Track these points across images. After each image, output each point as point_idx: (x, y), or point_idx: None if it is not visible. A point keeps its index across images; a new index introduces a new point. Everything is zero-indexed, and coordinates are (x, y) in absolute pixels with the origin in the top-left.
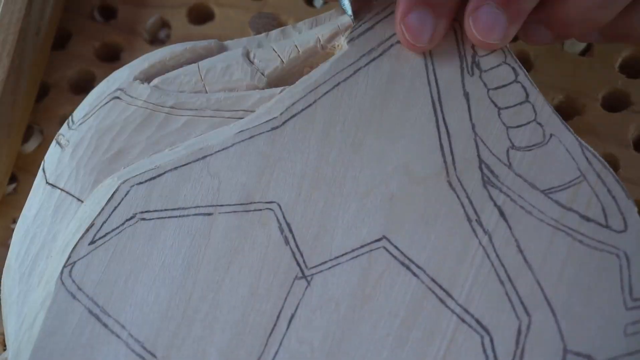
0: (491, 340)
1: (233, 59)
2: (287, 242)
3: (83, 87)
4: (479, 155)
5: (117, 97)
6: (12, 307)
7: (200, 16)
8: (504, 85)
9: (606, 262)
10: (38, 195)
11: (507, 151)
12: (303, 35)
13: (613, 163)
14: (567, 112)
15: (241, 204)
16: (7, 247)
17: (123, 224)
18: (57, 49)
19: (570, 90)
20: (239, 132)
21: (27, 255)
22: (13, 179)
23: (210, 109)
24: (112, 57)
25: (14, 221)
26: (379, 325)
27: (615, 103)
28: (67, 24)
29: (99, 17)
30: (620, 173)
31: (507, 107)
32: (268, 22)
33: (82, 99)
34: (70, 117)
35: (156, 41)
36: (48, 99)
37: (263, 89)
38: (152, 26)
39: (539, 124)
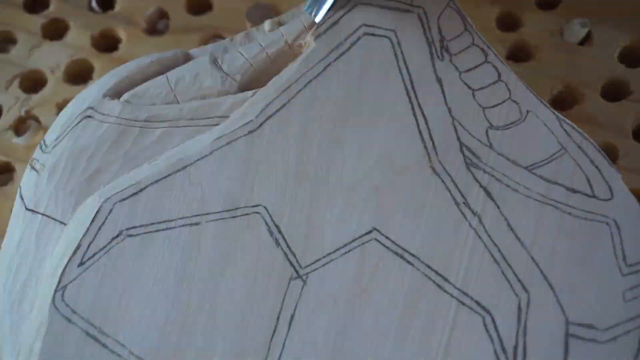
0: (493, 320)
1: (201, 67)
2: (278, 244)
3: (81, 78)
4: (458, 139)
5: (89, 116)
6: (6, 338)
7: (199, 7)
8: (475, 67)
9: (597, 232)
10: (19, 222)
11: (486, 131)
12: (268, 36)
13: (612, 152)
14: (566, 101)
15: (227, 211)
16: None
17: (110, 242)
18: (55, 40)
19: (570, 80)
20: (217, 138)
21: (14, 284)
22: (9, 170)
23: (184, 118)
24: (111, 48)
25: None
26: (379, 317)
27: (614, 93)
28: (64, 14)
29: (97, 7)
30: (620, 162)
31: (480, 88)
32: (265, 12)
33: (80, 89)
34: (42, 141)
35: (155, 32)
36: (46, 89)
37: (235, 93)
38: (150, 17)
39: (514, 101)
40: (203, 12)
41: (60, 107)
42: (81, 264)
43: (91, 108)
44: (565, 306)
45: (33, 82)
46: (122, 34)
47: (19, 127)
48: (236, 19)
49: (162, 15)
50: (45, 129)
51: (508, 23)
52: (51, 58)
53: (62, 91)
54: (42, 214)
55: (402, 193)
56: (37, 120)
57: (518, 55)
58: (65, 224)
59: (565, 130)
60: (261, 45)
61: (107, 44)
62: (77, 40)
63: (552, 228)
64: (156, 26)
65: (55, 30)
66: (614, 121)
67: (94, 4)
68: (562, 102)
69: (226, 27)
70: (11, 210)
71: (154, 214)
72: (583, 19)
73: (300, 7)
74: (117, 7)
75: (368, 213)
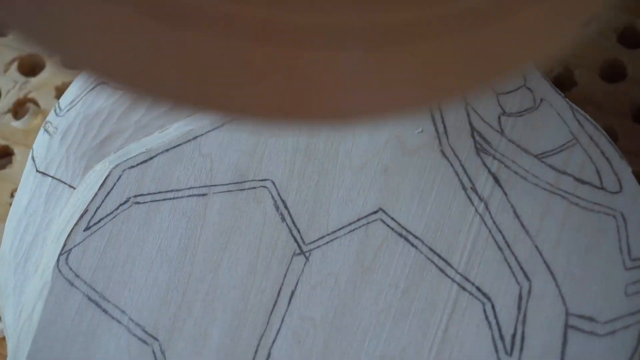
0: (493, 307)
1: None
2: (283, 219)
3: None
4: (470, 123)
5: (104, 82)
6: (9, 299)
7: None
8: None
9: (603, 224)
10: (29, 184)
11: (499, 117)
12: None
13: (611, 134)
14: (565, 83)
15: (235, 183)
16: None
17: (117, 208)
18: None
19: (568, 62)
20: None
21: (21, 244)
22: (8, 154)
23: None
24: None
25: (12, 195)
26: (380, 298)
27: (613, 74)
28: None
29: None
30: (619, 144)
31: None
32: None
33: (78, 72)
34: (56, 105)
35: None
36: (45, 72)
37: None
38: None
39: (529, 89)
40: None
41: (59, 90)
42: (87, 228)
43: None
44: (566, 297)
45: (32, 66)
46: None
47: (18, 110)
48: None
49: None
50: (44, 113)
51: None
52: None
53: (61, 74)
54: (52, 177)
55: (411, 174)
56: (35, 103)
57: None
58: (74, 188)
59: (578, 121)
60: None
61: None
62: None
63: (559, 218)
64: None
65: None
66: (613, 103)
67: None
68: (560, 84)
69: None
70: (11, 194)
71: (162, 182)
72: None
73: None
74: None
75: (375, 193)
